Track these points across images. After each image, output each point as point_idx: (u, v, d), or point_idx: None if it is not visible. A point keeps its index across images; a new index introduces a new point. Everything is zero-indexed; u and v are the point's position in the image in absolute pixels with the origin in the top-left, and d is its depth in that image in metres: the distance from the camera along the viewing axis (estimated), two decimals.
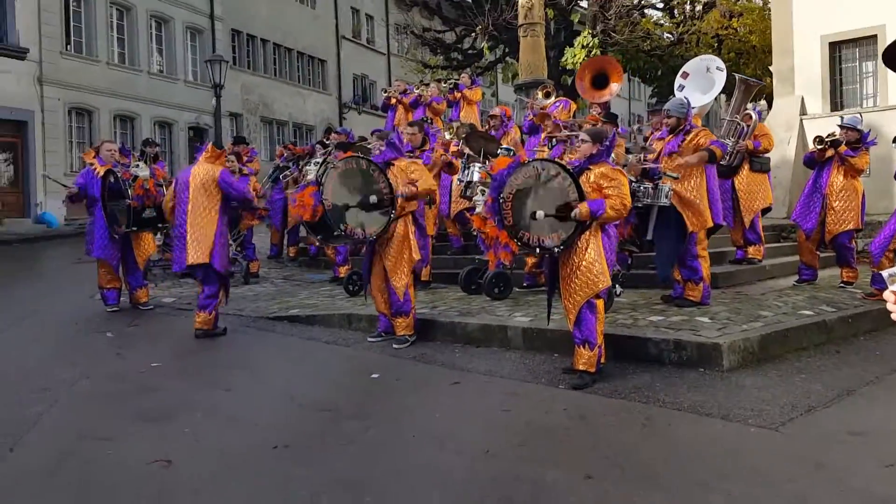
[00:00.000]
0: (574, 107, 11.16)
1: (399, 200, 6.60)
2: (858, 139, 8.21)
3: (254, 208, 8.27)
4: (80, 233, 9.55)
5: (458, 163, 8.82)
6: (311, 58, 31.48)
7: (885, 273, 1.86)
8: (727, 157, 8.43)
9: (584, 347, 5.46)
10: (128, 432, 4.72)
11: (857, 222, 8.33)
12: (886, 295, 1.90)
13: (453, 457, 4.20)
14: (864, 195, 8.41)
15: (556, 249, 5.51)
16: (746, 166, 8.87)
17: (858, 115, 8.83)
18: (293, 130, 30.25)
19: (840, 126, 8.42)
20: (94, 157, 8.84)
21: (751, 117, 8.81)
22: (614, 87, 10.40)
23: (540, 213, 5.42)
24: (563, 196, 5.43)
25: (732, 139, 8.54)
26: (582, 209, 5.32)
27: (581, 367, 5.47)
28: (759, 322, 6.43)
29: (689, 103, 7.30)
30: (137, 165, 8.93)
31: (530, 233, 5.55)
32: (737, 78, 9.05)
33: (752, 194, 8.92)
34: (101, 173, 8.54)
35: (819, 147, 8.33)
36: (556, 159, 6.39)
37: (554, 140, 8.95)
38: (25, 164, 20.40)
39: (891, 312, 1.92)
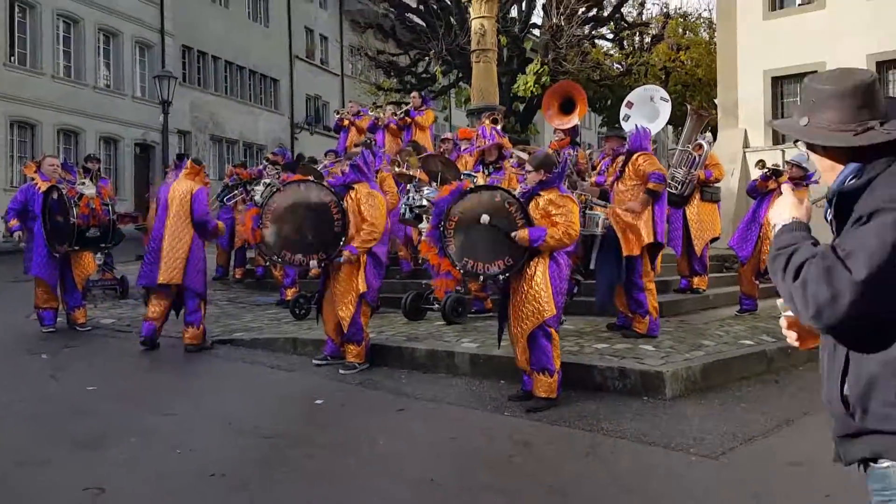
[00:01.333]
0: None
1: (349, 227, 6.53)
2: (802, 176, 8.39)
3: (210, 234, 8.08)
4: (18, 250, 9.25)
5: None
6: (263, 76, 31.25)
7: (778, 302, 1.92)
8: (679, 187, 8.60)
9: (543, 374, 5.47)
10: (61, 458, 4.57)
11: None
12: (781, 322, 1.99)
13: (396, 485, 4.16)
14: None
15: (500, 277, 5.54)
16: (697, 196, 9.06)
17: (805, 154, 9.09)
18: (244, 150, 29.91)
19: (787, 162, 8.72)
20: (36, 172, 8.60)
21: (702, 147, 9.00)
22: (579, 112, 10.54)
23: (485, 217, 5.44)
24: (509, 222, 5.47)
25: (684, 168, 8.71)
26: (521, 234, 5.37)
27: (542, 394, 5.47)
28: (702, 351, 6.54)
29: (641, 129, 7.36)
30: (83, 183, 8.73)
31: (474, 261, 5.56)
32: (688, 108, 9.26)
33: (702, 224, 9.12)
34: (43, 189, 8.30)
35: (763, 175, 8.59)
36: (500, 186, 6.42)
37: (493, 167, 9.03)
38: None
39: (787, 338, 2.02)
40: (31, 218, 8.40)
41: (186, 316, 7.46)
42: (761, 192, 8.63)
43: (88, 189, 8.56)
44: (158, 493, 4.05)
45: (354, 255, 6.51)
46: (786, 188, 2.01)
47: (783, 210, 1.89)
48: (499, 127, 10.53)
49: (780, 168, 8.64)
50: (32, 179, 8.58)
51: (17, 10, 21.23)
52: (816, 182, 8.67)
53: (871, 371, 1.77)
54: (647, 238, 6.97)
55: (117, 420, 5.39)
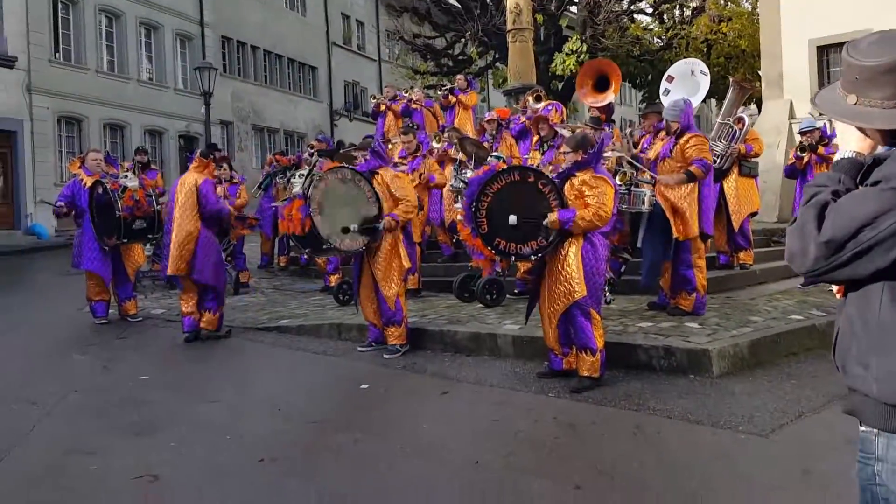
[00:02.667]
0: (564, 111, 11.15)
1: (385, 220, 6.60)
2: (821, 137, 8.44)
3: (238, 219, 8.19)
4: (70, 244, 9.49)
5: (447, 172, 8.82)
6: (301, 64, 31.44)
7: None
8: (718, 160, 8.43)
9: (585, 353, 5.46)
10: (114, 446, 4.69)
11: None
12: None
13: (441, 468, 4.18)
14: None
15: (533, 258, 5.54)
16: (736, 170, 8.89)
17: (810, 115, 9.13)
18: (284, 138, 30.18)
19: (801, 133, 8.76)
20: (80, 168, 8.78)
21: (743, 121, 8.82)
22: (613, 89, 10.39)
23: (512, 218, 5.43)
24: (542, 202, 5.44)
25: (724, 142, 8.54)
26: (551, 217, 5.36)
27: (585, 373, 5.47)
28: (749, 327, 6.42)
29: (686, 104, 7.13)
30: (126, 176, 8.88)
31: (506, 241, 5.54)
32: (730, 80, 9.05)
33: (741, 199, 8.93)
34: (89, 184, 8.48)
35: (796, 155, 8.51)
36: (534, 166, 6.38)
37: (546, 144, 8.93)
38: (15, 174, 20.27)
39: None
40: (79, 213, 8.60)
41: (205, 302, 7.57)
42: (800, 169, 8.57)
43: (131, 181, 8.71)
44: (210, 479, 4.14)
45: (395, 219, 6.62)
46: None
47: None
48: (540, 105, 10.39)
49: (805, 144, 8.55)
50: (77, 175, 8.76)
51: (60, 6, 21.65)
52: (833, 135, 8.71)
53: (842, 327, 1.82)
54: (694, 229, 6.86)
55: (168, 408, 5.52)
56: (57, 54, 21.51)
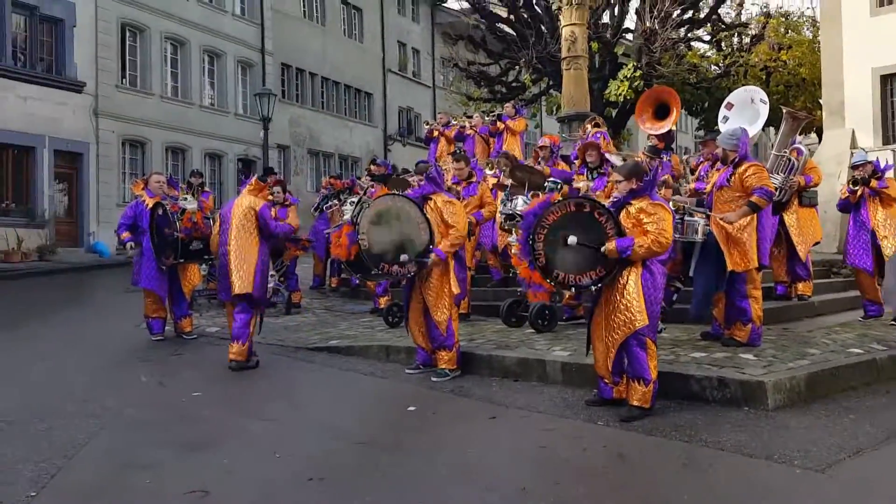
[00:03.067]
0: (611, 141, 11.12)
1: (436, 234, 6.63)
2: (874, 171, 8.39)
3: (292, 240, 8.33)
4: (130, 262, 9.78)
5: (498, 200, 8.85)
6: (357, 91, 32.00)
7: None
8: (778, 193, 8.28)
9: (638, 383, 5.40)
10: (167, 461, 4.78)
11: None
12: None
13: (487, 493, 4.15)
14: None
15: (593, 288, 5.50)
16: (795, 201, 8.75)
17: (862, 150, 9.15)
18: (339, 162, 30.67)
19: (852, 167, 8.76)
20: (143, 189, 9.06)
21: (800, 152, 8.68)
22: (673, 117, 10.34)
23: (572, 239, 5.41)
24: (599, 232, 5.41)
25: (782, 174, 8.40)
26: (609, 246, 5.33)
27: (636, 403, 5.40)
28: (807, 360, 6.26)
29: (742, 133, 6.99)
30: (186, 198, 9.16)
31: (565, 272, 5.51)
32: (783, 111, 8.93)
33: (803, 229, 8.79)
34: (150, 205, 8.74)
35: (850, 189, 8.43)
36: (589, 196, 6.35)
37: (595, 172, 8.91)
38: (80, 194, 21.04)
39: None
40: (140, 233, 8.85)
41: (234, 330, 7.34)
42: (853, 202, 8.55)
43: (190, 204, 8.98)
44: (259, 497, 4.18)
45: (441, 258, 6.63)
46: None
47: None
48: (601, 131, 10.40)
49: (857, 179, 8.52)
50: (140, 196, 9.03)
51: (128, 34, 22.50)
52: (891, 167, 8.87)
53: None
54: (753, 262, 6.71)
55: (220, 425, 5.61)
56: (123, 80, 22.32)
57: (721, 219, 6.71)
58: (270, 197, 10.08)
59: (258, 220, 7.49)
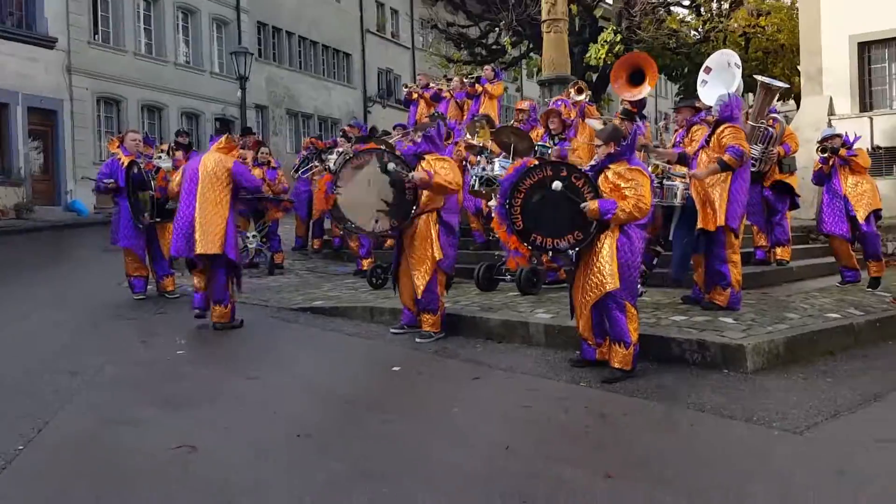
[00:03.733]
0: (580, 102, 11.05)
1: (421, 196, 6.60)
2: (842, 143, 8.52)
3: (274, 201, 8.23)
4: (109, 221, 9.67)
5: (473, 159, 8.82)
6: (336, 51, 31.53)
7: None
8: (757, 164, 8.35)
9: (618, 346, 5.46)
10: (152, 418, 4.77)
11: (878, 201, 8.58)
12: None
13: (471, 452, 4.20)
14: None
15: (570, 252, 5.54)
16: (776, 169, 8.83)
17: (828, 128, 9.37)
18: (318, 123, 30.33)
19: (819, 142, 8.83)
20: (118, 147, 8.93)
21: (777, 122, 8.74)
22: (647, 85, 10.31)
23: (557, 184, 5.40)
24: (578, 196, 5.43)
25: (760, 145, 8.45)
26: (591, 206, 5.33)
27: (617, 365, 5.47)
28: (785, 324, 6.36)
29: (729, 97, 7.01)
30: (160, 157, 9.04)
31: (542, 236, 5.53)
32: (758, 81, 8.94)
33: (781, 195, 8.90)
34: (126, 163, 8.61)
35: (821, 159, 8.52)
36: (566, 160, 6.36)
37: (556, 138, 8.92)
38: (55, 152, 20.66)
39: None
40: (117, 191, 8.74)
41: (215, 293, 7.24)
42: (826, 173, 8.63)
43: (164, 162, 8.88)
44: (248, 453, 4.19)
45: (429, 175, 6.53)
46: None
47: None
48: (581, 97, 10.35)
49: (832, 145, 8.60)
50: (116, 154, 8.90)
51: None
52: (859, 137, 8.90)
53: None
54: (721, 219, 6.71)
55: (205, 383, 5.63)
56: (96, 36, 21.81)
57: (691, 175, 6.78)
58: (259, 157, 10.01)
59: (233, 178, 7.30)
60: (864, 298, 7.69)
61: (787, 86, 12.40)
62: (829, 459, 4.07)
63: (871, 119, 14.31)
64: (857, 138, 8.79)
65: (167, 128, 22.78)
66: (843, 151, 8.45)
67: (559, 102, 10.27)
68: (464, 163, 9.10)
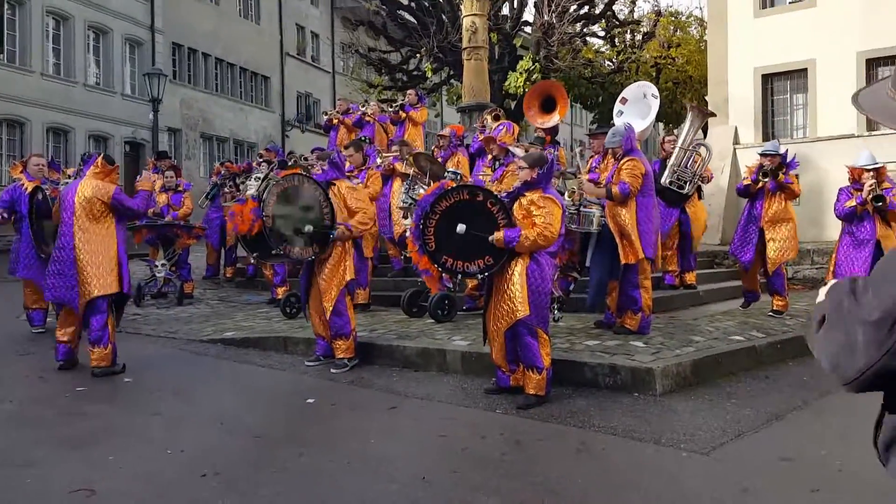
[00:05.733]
0: (517, 129, 11.28)
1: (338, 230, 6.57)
2: (780, 164, 8.41)
3: (185, 228, 7.88)
4: (5, 250, 9.20)
5: (395, 187, 8.84)
6: (254, 74, 31.14)
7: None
8: (686, 186, 8.59)
9: (532, 372, 5.50)
10: (50, 458, 4.54)
11: (796, 252, 8.52)
12: None
13: (388, 484, 4.14)
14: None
15: (478, 277, 5.60)
16: (695, 195, 9.12)
17: (776, 141, 9.22)
18: (234, 147, 29.80)
19: (762, 155, 8.58)
20: (22, 172, 8.54)
21: (707, 148, 9.01)
22: (559, 111, 10.55)
23: (461, 227, 5.47)
24: (491, 222, 5.49)
25: (690, 169, 8.71)
26: (497, 236, 5.43)
27: (531, 391, 5.51)
28: (692, 347, 6.56)
29: (626, 129, 7.22)
30: (67, 183, 8.67)
31: (453, 259, 5.58)
32: (688, 106, 9.25)
33: (698, 222, 9.21)
34: (30, 189, 8.24)
35: (753, 177, 8.47)
36: (483, 186, 6.46)
37: (497, 162, 9.04)
38: None
39: None
40: (18, 218, 8.34)
41: (91, 335, 6.53)
42: (752, 192, 8.56)
43: None
44: (149, 494, 4.02)
45: (349, 229, 6.59)
46: None
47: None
48: (504, 122, 10.49)
49: (770, 166, 8.52)
50: (18, 179, 8.50)
51: (6, 6, 21.06)
52: (797, 164, 8.69)
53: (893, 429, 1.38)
54: (640, 252, 6.91)
55: (107, 421, 5.37)
56: (1, 55, 20.90)
57: (584, 189, 7.10)
58: (165, 180, 9.72)
59: (114, 208, 6.64)
60: (765, 321, 7.99)
61: (714, 113, 12.90)
62: (735, 478, 4.18)
63: (763, 148, 14.99)
64: (794, 162, 8.58)
65: (73, 151, 21.96)
66: (781, 177, 8.29)
67: (500, 128, 10.41)
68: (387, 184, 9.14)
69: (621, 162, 7.04)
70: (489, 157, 9.60)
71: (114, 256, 6.61)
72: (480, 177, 8.69)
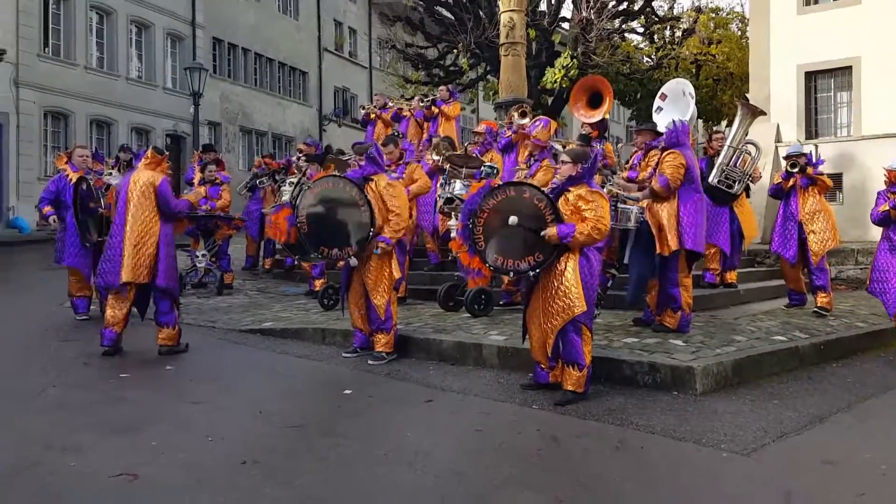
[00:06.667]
0: (554, 125, 11.19)
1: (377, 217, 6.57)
2: (807, 162, 8.55)
3: (225, 219, 8.01)
4: (52, 239, 9.40)
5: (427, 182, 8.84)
6: (292, 69, 31.38)
7: None
8: (735, 185, 8.54)
9: (572, 368, 5.47)
10: (93, 443, 4.62)
11: (837, 240, 8.61)
12: None
13: (423, 476, 4.15)
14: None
15: (531, 273, 5.55)
16: (744, 194, 9.02)
17: (797, 142, 9.32)
18: (272, 141, 30.08)
19: (786, 158, 8.82)
20: (67, 163, 8.70)
21: (757, 147, 8.94)
22: (606, 106, 10.46)
23: (513, 219, 5.45)
24: (538, 218, 5.46)
25: (739, 168, 8.64)
26: (550, 232, 5.38)
27: (570, 388, 5.48)
28: (733, 346, 6.46)
29: (675, 123, 7.14)
30: (111, 174, 8.85)
31: (504, 257, 5.56)
32: (739, 103, 9.15)
33: (749, 222, 9.11)
34: (74, 180, 8.40)
35: (784, 174, 8.57)
36: (529, 181, 6.43)
37: (532, 158, 8.98)
38: None
39: None
40: (64, 208, 8.51)
41: (159, 317, 6.93)
42: (785, 190, 8.65)
43: (115, 179, 8.67)
44: (191, 480, 4.08)
45: (389, 245, 6.59)
46: None
47: None
48: (525, 120, 10.41)
49: (798, 163, 8.60)
50: (63, 170, 8.67)
51: (51, 1, 21.49)
52: (823, 161, 8.90)
53: None
54: (674, 244, 6.84)
55: (149, 407, 5.46)
56: (46, 49, 21.32)
57: (618, 187, 7.01)
58: (207, 173, 9.84)
59: (157, 197, 6.90)
60: (809, 321, 7.85)
61: (765, 112, 12.71)
62: (777, 481, 4.12)
63: (816, 146, 14.69)
64: (820, 161, 8.84)
65: (116, 143, 22.29)
66: (809, 170, 8.49)
67: (535, 125, 10.33)
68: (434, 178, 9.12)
69: (663, 154, 6.98)
70: (525, 153, 9.53)
71: (153, 248, 6.83)
72: (515, 175, 8.63)
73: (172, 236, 7.15)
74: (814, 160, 8.76)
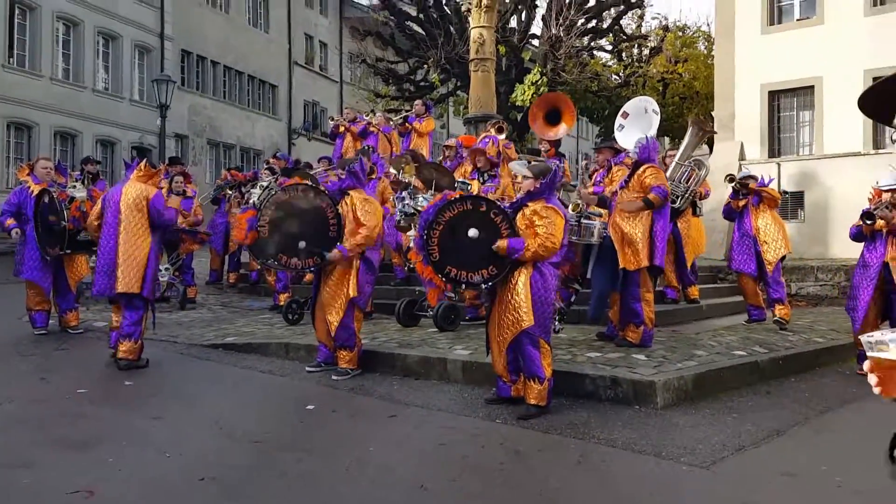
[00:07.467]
0: (512, 146, 11.26)
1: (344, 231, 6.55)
2: (757, 184, 8.88)
3: (189, 233, 8.00)
4: (11, 252, 9.22)
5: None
6: (262, 82, 31.24)
7: (863, 338, 1.64)
8: (679, 200, 8.64)
9: (534, 382, 5.50)
10: (49, 460, 4.53)
11: (789, 247, 8.88)
12: (866, 365, 1.64)
13: (387, 491, 4.14)
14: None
15: (483, 286, 5.59)
16: (689, 210, 9.14)
17: (746, 169, 9.72)
18: (240, 154, 29.87)
19: (741, 179, 9.10)
20: (29, 175, 8.56)
21: (703, 165, 9.07)
22: (565, 125, 10.56)
23: (473, 231, 5.48)
24: (494, 231, 5.50)
25: (683, 184, 8.74)
26: (500, 244, 5.43)
27: (532, 401, 5.50)
28: (694, 361, 6.53)
29: (647, 139, 7.27)
30: (74, 186, 8.72)
31: (457, 269, 5.58)
32: (690, 121, 9.28)
33: (691, 238, 9.23)
34: (36, 192, 8.26)
35: (731, 195, 8.81)
36: (487, 195, 6.48)
37: (485, 175, 9.06)
38: None
39: (871, 382, 1.62)
40: (24, 221, 8.36)
41: (123, 328, 6.90)
42: (737, 210, 8.91)
43: (79, 192, 8.55)
44: (148, 498, 4.02)
45: (344, 255, 6.52)
46: None
47: None
48: (502, 136, 10.50)
49: (743, 181, 8.94)
50: (25, 182, 8.53)
51: (17, 11, 21.21)
52: (770, 181, 9.18)
53: None
54: (645, 260, 6.92)
55: (107, 423, 5.37)
56: (11, 59, 21.04)
57: (621, 207, 6.97)
58: (173, 186, 9.76)
59: (149, 211, 7.00)
60: (768, 336, 7.97)
61: (716, 131, 12.93)
62: (735, 493, 4.16)
63: (779, 164, 15.00)
64: (770, 180, 9.17)
65: (80, 155, 22.01)
66: (752, 184, 8.75)
67: (486, 140, 10.41)
68: (391, 198, 9.11)
69: (641, 169, 7.05)
70: (469, 168, 9.58)
71: (143, 259, 6.92)
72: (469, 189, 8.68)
73: (159, 250, 7.31)
74: (764, 182, 8.99)
